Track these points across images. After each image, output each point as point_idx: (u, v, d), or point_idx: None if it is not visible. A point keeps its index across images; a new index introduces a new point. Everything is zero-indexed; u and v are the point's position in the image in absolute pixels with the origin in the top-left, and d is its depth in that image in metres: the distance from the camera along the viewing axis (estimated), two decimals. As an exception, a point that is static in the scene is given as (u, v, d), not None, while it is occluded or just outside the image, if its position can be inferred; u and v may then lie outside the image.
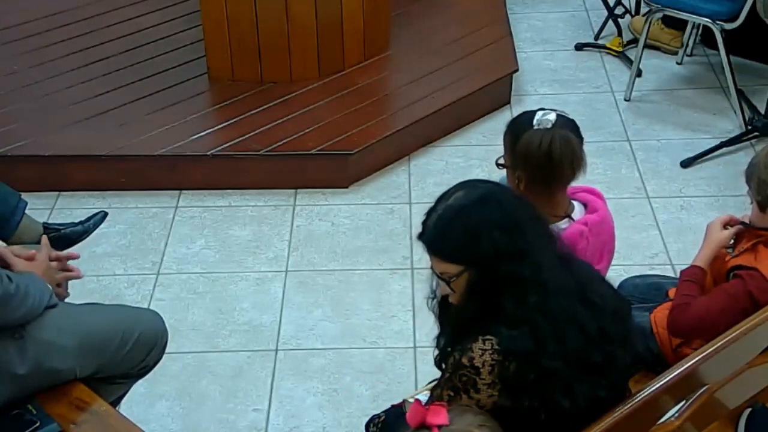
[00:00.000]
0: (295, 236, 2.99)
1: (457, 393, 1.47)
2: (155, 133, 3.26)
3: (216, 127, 3.32)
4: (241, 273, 2.85)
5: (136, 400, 2.32)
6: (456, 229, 1.49)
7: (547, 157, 1.76)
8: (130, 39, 3.75)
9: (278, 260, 2.89)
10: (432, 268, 1.55)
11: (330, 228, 3.03)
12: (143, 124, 3.30)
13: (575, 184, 1.89)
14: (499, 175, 1.91)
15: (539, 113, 1.81)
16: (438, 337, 1.64)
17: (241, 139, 3.23)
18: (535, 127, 1.78)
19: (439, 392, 1.51)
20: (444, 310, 1.62)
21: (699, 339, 1.69)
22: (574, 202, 1.90)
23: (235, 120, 3.33)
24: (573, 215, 1.88)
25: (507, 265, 1.46)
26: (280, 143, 3.21)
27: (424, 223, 1.54)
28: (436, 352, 1.63)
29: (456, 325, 1.56)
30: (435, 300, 1.63)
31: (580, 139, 1.84)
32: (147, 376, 2.02)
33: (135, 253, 2.92)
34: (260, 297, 2.75)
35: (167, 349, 2.03)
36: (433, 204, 1.54)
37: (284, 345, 2.58)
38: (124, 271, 2.85)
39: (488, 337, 1.46)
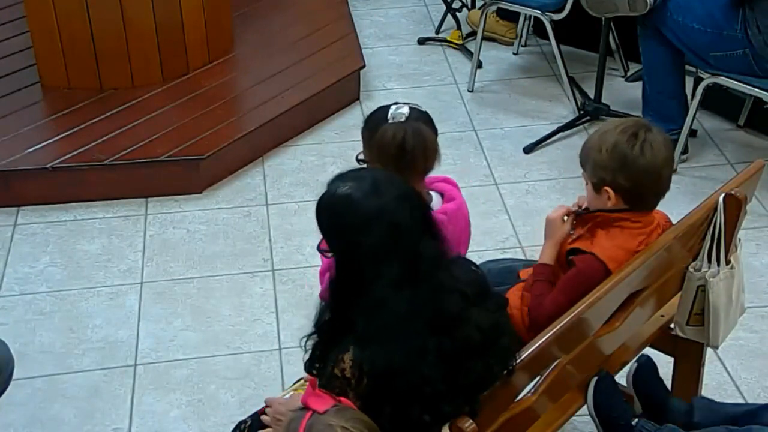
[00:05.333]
0: (149, 246, 2.89)
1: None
2: (-15, 147, 3.07)
3: (54, 138, 3.15)
4: (92, 288, 2.72)
5: (-19, 434, 2.17)
6: (324, 216, 1.52)
7: (399, 149, 1.82)
8: (-49, 49, 3.51)
9: (132, 272, 2.78)
10: None
11: (185, 235, 2.94)
12: (-29, 138, 3.09)
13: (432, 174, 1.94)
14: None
15: (393, 107, 1.87)
16: (307, 337, 1.60)
17: (83, 149, 3.08)
18: (390, 121, 1.84)
19: None
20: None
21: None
22: (432, 192, 1.96)
23: (75, 130, 3.17)
24: (432, 206, 1.93)
25: (352, 276, 1.48)
26: (127, 151, 3.09)
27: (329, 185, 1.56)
28: (308, 355, 1.60)
29: (321, 322, 1.56)
30: None
31: (434, 130, 1.90)
32: (-9, 407, 1.90)
33: (-30, 278, 2.74)
34: (114, 312, 2.64)
35: (14, 376, 1.90)
36: (342, 172, 1.54)
37: (143, 359, 2.49)
38: (-41, 297, 2.66)
39: (348, 349, 1.47)
